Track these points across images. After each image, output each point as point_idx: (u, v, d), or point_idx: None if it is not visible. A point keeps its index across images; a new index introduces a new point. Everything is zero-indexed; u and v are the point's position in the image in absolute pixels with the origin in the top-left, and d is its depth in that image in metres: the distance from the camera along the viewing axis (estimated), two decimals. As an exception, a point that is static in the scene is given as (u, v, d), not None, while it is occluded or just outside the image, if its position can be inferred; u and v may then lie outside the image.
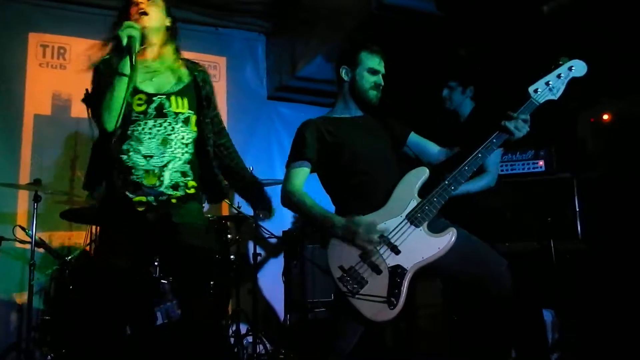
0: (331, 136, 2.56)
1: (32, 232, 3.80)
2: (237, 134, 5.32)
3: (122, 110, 2.26)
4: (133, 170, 2.34)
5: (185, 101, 2.45)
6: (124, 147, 2.35)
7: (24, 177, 4.51)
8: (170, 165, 2.38)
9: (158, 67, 2.46)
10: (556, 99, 2.35)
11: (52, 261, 3.95)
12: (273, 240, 4.96)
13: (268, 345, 4.01)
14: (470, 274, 2.38)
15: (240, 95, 5.62)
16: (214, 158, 2.57)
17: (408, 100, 4.51)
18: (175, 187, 2.39)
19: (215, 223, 3.81)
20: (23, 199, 4.46)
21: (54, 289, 3.80)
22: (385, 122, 2.70)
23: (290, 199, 2.49)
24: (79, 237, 4.49)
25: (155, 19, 2.45)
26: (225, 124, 5.31)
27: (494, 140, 2.35)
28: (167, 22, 2.53)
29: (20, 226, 4.00)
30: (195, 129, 2.48)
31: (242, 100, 5.61)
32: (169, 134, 2.38)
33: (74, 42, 4.89)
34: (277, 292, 4.79)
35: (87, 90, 2.43)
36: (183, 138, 2.42)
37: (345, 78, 2.65)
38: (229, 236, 3.93)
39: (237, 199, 4.54)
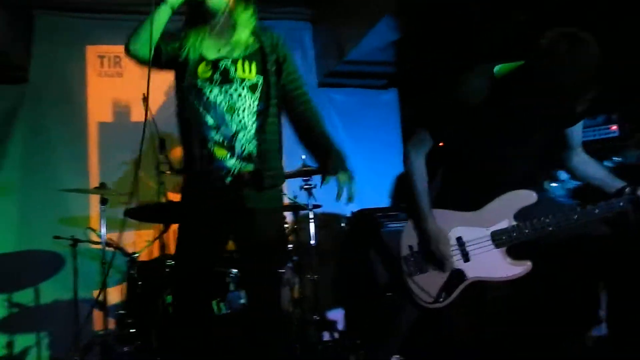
0: (472, 108, 2.26)
1: (102, 233, 4.05)
2: (290, 125, 5.50)
3: (152, 40, 2.16)
4: (206, 142, 2.26)
5: (254, 66, 2.29)
6: (195, 117, 2.26)
7: (94, 182, 4.76)
8: (240, 135, 2.26)
9: (225, 31, 2.30)
10: None
11: (123, 259, 4.19)
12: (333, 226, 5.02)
13: (333, 333, 4.07)
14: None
15: (292, 85, 5.67)
16: (275, 131, 2.38)
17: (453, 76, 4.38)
18: (248, 158, 2.28)
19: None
20: (94, 202, 4.72)
21: (127, 285, 4.03)
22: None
23: (407, 168, 2.39)
24: (147, 235, 4.74)
25: None
26: (277, 115, 5.52)
27: (617, 204, 2.19)
28: None
29: (91, 228, 4.26)
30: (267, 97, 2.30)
31: (293, 90, 5.66)
32: (236, 102, 2.25)
33: (128, 50, 5.10)
34: (340, 279, 4.86)
35: (144, 94, 2.34)
36: (251, 106, 2.27)
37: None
38: (287, 225, 4.00)
39: (294, 189, 4.63)
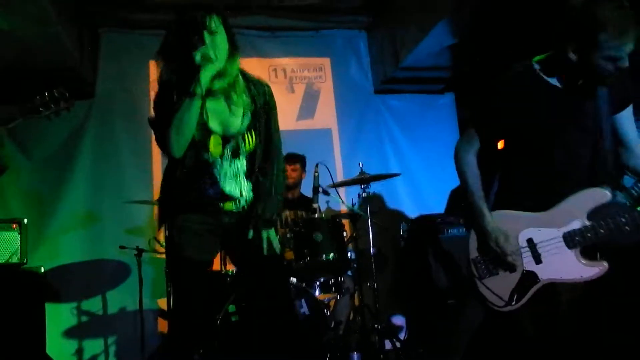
0: (527, 104, 2.19)
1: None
2: (347, 131, 5.54)
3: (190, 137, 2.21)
4: (209, 201, 2.35)
5: (254, 134, 2.39)
6: (200, 184, 2.32)
7: (157, 193, 4.88)
8: (243, 192, 2.39)
9: (225, 98, 2.33)
10: None
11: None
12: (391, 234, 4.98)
13: (395, 341, 4.02)
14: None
15: (347, 93, 5.71)
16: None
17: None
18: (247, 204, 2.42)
19: (330, 222, 3.88)
20: (158, 213, 4.84)
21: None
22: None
23: (459, 165, 2.36)
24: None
25: (222, 50, 2.25)
26: (334, 122, 5.55)
27: None
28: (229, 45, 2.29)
29: (155, 238, 4.38)
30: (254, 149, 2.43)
31: (349, 98, 5.69)
32: (240, 171, 2.38)
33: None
34: (400, 285, 4.82)
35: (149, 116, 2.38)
36: (250, 168, 2.41)
37: (572, 58, 2.06)
38: (345, 233, 3.98)
39: (352, 196, 4.62)
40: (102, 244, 4.85)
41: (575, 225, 2.17)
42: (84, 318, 4.73)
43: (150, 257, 4.52)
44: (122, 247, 4.37)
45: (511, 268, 2.22)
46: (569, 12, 2.01)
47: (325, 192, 4.12)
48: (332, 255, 3.74)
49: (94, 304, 4.76)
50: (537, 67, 2.21)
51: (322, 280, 3.82)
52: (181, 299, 2.41)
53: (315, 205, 3.96)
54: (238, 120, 2.34)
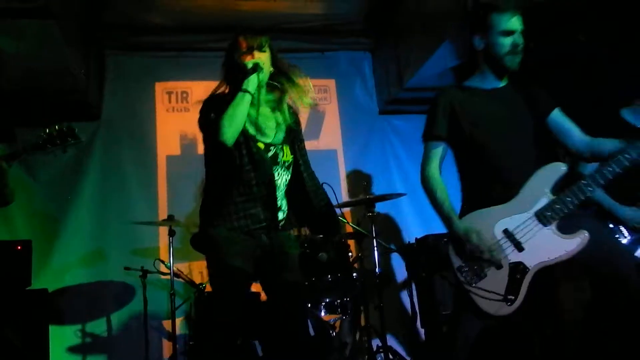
0: (464, 112, 2.42)
1: (170, 263, 4.14)
2: (352, 152, 5.55)
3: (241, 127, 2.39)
4: (249, 216, 2.49)
5: (289, 148, 2.61)
6: (239, 196, 2.48)
7: (162, 214, 4.90)
8: (281, 206, 2.57)
9: (264, 113, 2.60)
10: None
11: (191, 290, 4.26)
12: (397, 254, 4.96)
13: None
14: (598, 274, 2.26)
15: (353, 114, 5.72)
16: (311, 195, 2.70)
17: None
18: (283, 219, 2.60)
19: (335, 242, 3.87)
20: (163, 234, 4.84)
21: (194, 315, 4.09)
22: (529, 92, 2.47)
23: (424, 183, 2.47)
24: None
25: (267, 65, 2.57)
26: (340, 143, 5.56)
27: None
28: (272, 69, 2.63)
29: (159, 259, 4.37)
30: (291, 170, 2.64)
31: (354, 118, 5.71)
32: (278, 181, 2.55)
33: (195, 85, 5.30)
34: (406, 306, 4.77)
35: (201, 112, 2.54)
36: (286, 181, 2.60)
37: (479, 47, 2.45)
38: (350, 254, 3.97)
39: (358, 217, 4.61)
40: (107, 265, 4.83)
41: (543, 202, 2.25)
42: (88, 340, 4.69)
43: (156, 279, 4.49)
44: (126, 269, 4.36)
45: (496, 264, 2.22)
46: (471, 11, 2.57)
47: (331, 212, 4.11)
48: (337, 275, 3.72)
49: (98, 326, 4.72)
50: (466, 83, 2.55)
51: (327, 300, 3.79)
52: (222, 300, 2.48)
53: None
54: (272, 131, 2.58)
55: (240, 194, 2.47)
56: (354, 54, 5.84)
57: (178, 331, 4.31)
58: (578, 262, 2.24)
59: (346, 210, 5.21)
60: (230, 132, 2.36)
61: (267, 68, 2.56)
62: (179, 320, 4.49)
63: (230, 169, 2.46)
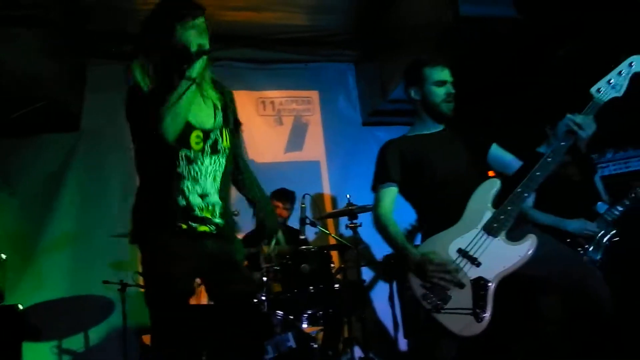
0: (411, 155, 2.61)
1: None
2: (335, 163, 5.54)
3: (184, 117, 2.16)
4: (190, 211, 2.24)
5: (229, 133, 2.38)
6: (182, 187, 2.23)
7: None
8: (221, 199, 2.33)
9: (200, 95, 2.33)
10: (620, 95, 2.30)
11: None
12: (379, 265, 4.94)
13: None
14: (555, 285, 2.37)
15: (336, 125, 5.74)
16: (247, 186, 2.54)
17: (489, 112, 4.37)
18: (223, 215, 2.33)
19: (317, 254, 3.85)
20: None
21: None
22: (466, 134, 2.68)
23: (377, 223, 2.58)
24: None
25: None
26: (323, 155, 5.55)
27: (562, 143, 2.31)
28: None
29: (139, 272, 4.29)
30: (231, 157, 2.42)
31: (338, 130, 5.72)
32: (218, 170, 2.33)
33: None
34: (388, 317, 4.75)
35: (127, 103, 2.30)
36: (226, 170, 2.37)
37: (416, 97, 2.69)
38: (333, 265, 3.95)
39: (341, 228, 4.58)
40: (85, 279, 4.73)
41: (487, 216, 2.37)
42: (65, 357, 4.58)
43: (135, 292, 4.42)
44: (105, 282, 4.29)
45: (458, 284, 2.27)
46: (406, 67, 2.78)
47: (313, 224, 4.10)
48: (319, 287, 3.70)
49: (75, 342, 4.62)
50: (410, 133, 2.76)
51: (309, 312, 3.75)
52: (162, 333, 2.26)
53: (302, 237, 3.94)
54: (211, 115, 2.34)
55: (178, 190, 2.22)
56: (337, 65, 5.86)
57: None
58: (546, 277, 2.36)
59: (330, 221, 5.19)
60: (173, 127, 2.12)
61: (205, 41, 2.25)
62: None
63: (168, 164, 2.22)
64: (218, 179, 2.33)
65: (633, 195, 3.41)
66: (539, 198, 3.48)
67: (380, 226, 2.54)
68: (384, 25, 5.06)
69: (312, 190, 4.27)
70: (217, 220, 2.31)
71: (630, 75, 2.30)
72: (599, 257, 3.35)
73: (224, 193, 2.36)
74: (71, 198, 4.93)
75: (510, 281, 2.29)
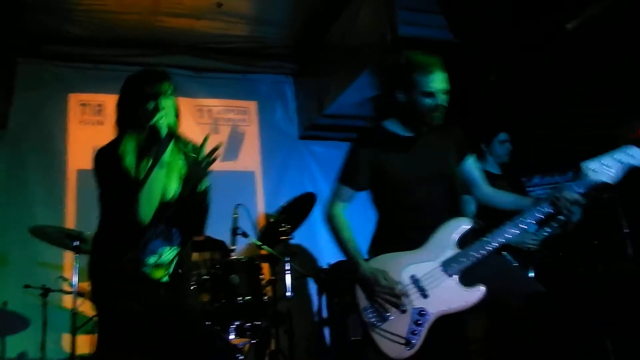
0: (382, 157, 2.44)
1: (75, 282, 3.94)
2: (270, 175, 5.56)
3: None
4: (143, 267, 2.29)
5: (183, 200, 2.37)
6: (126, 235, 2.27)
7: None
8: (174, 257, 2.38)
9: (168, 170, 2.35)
10: (613, 184, 2.23)
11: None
12: (309, 279, 4.99)
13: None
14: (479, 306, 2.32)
15: (272, 137, 5.77)
16: None
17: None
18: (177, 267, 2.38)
19: (247, 264, 3.84)
20: (68, 251, 4.61)
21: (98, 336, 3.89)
22: (448, 139, 2.53)
23: (329, 220, 2.51)
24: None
25: (172, 115, 2.35)
26: (258, 166, 5.56)
27: (540, 209, 2.28)
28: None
29: (62, 277, 4.16)
30: None
31: (274, 142, 5.75)
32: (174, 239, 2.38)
33: (110, 99, 5.09)
34: (316, 331, 4.79)
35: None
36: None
37: (401, 100, 2.42)
38: (262, 276, 3.95)
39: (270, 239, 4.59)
40: (4, 283, 4.53)
41: (449, 253, 2.32)
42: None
43: (58, 297, 4.28)
44: (26, 287, 4.12)
45: (401, 308, 2.27)
46: (394, 65, 2.48)
47: (244, 235, 4.10)
48: (248, 298, 3.70)
49: (-9, 349, 4.42)
50: (387, 125, 2.52)
51: (237, 323, 3.73)
52: None
53: (232, 247, 3.93)
54: (174, 187, 2.33)
55: (128, 233, 2.26)
56: (276, 77, 5.91)
57: (79, 351, 4.09)
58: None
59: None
60: (147, 211, 2.21)
61: (173, 120, 2.33)
62: (83, 339, 4.25)
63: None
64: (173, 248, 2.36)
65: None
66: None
67: (332, 226, 2.47)
68: (326, 41, 5.16)
69: (245, 200, 4.27)
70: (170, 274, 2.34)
71: (627, 167, 2.23)
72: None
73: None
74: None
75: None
